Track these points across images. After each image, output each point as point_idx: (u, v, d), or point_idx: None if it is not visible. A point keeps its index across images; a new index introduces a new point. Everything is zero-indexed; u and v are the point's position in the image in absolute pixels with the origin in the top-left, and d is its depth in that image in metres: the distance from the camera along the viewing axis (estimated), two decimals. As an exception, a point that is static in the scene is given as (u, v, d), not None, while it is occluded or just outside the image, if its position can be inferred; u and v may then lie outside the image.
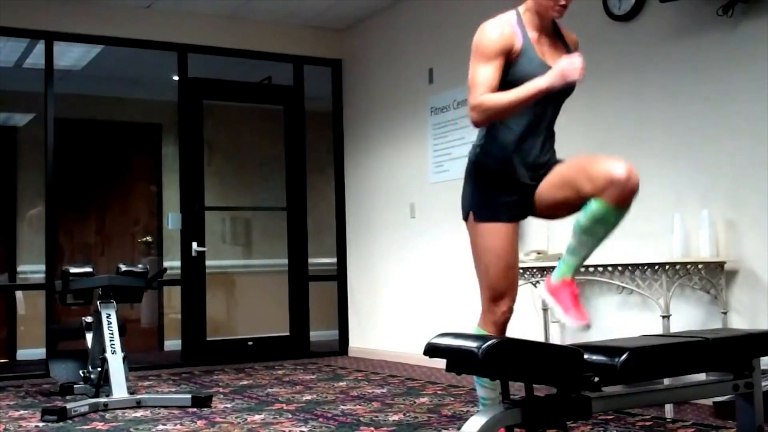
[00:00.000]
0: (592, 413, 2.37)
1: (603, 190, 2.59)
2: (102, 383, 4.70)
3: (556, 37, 2.89)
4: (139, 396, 4.64)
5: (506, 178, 2.82)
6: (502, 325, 2.88)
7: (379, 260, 6.96)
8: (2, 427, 4.03)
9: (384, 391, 4.94)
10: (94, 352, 4.97)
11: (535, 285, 4.96)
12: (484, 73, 2.69)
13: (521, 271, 4.79)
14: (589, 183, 2.63)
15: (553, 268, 4.54)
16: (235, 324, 7.98)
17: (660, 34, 4.51)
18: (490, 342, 2.19)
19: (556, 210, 2.85)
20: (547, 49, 2.82)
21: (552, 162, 2.87)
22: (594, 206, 2.62)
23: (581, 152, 4.71)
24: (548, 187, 2.81)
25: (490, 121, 2.73)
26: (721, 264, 4.08)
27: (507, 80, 2.72)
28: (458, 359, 2.28)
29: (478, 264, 2.88)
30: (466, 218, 2.91)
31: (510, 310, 2.86)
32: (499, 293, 2.84)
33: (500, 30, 2.74)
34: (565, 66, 2.62)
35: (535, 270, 4.72)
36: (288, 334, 7.21)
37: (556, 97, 2.79)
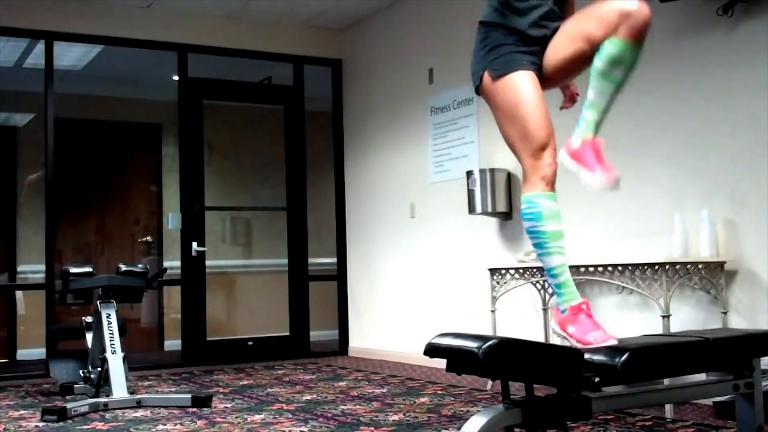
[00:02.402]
0: (592, 413, 2.37)
1: (615, 27, 2.50)
2: (102, 383, 4.70)
3: None
4: (139, 396, 4.64)
5: (517, 33, 2.69)
6: (552, 179, 2.63)
7: (379, 260, 6.96)
8: (2, 427, 4.03)
9: (384, 391, 4.94)
10: (94, 352, 4.97)
11: (535, 285, 4.97)
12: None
13: (521, 271, 4.80)
14: (600, 25, 2.54)
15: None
16: (235, 324, 7.98)
17: (660, 34, 4.51)
18: (490, 342, 2.19)
19: (568, 68, 2.71)
20: None
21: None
22: (608, 46, 2.52)
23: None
24: (556, 46, 2.69)
25: None
26: (721, 264, 4.08)
27: None
28: (458, 359, 2.28)
29: (509, 124, 2.67)
30: (479, 87, 2.74)
31: (556, 161, 2.63)
32: (542, 143, 2.60)
33: None
34: None
35: (535, 270, 4.71)
36: (288, 334, 7.21)
37: None
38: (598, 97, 2.58)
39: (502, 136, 2.74)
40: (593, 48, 2.57)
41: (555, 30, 2.71)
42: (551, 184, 2.62)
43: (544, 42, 2.71)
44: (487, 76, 2.71)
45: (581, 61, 2.65)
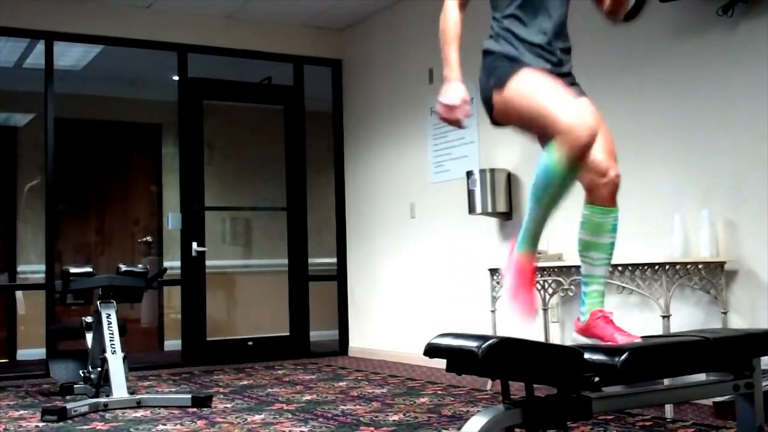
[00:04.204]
0: (592, 413, 2.37)
1: (590, 180, 2.59)
2: (102, 383, 4.70)
3: None
4: (139, 396, 4.64)
5: (518, 60, 2.65)
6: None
7: (379, 260, 6.96)
8: (2, 427, 4.03)
9: (384, 391, 4.94)
10: (94, 352, 4.97)
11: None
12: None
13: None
14: (608, 157, 2.62)
15: (553, 268, 4.57)
16: (235, 324, 7.98)
17: (660, 34, 4.51)
18: (490, 342, 2.19)
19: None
20: None
21: (570, 72, 2.74)
22: (587, 213, 2.62)
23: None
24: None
25: None
26: (721, 264, 4.08)
27: None
28: (458, 359, 2.28)
29: (536, 105, 2.50)
30: (492, 113, 2.69)
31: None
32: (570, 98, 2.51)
33: None
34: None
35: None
36: (288, 334, 7.21)
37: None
38: (593, 269, 2.65)
39: (538, 138, 2.66)
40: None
41: (561, 54, 2.71)
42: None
43: (557, 62, 2.71)
44: (496, 97, 2.64)
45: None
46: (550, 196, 2.48)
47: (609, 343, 2.54)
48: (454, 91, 2.67)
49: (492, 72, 2.68)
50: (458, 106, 2.66)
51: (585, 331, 2.65)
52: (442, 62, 2.72)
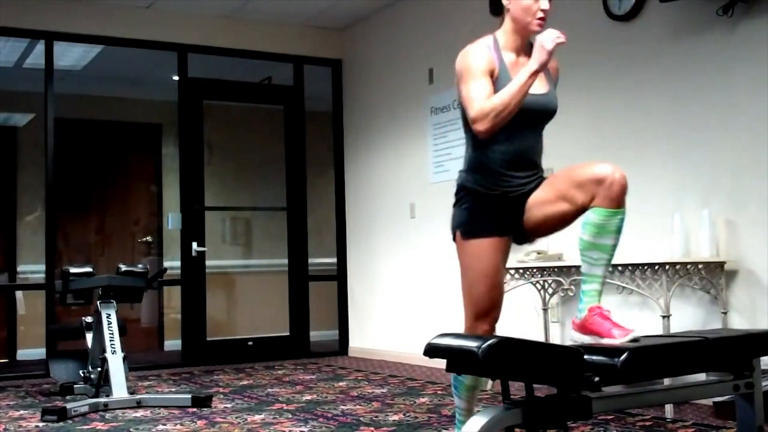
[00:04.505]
0: (592, 413, 2.37)
1: (594, 194, 2.59)
2: (102, 383, 4.70)
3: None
4: (139, 396, 4.64)
5: (493, 199, 2.77)
6: None
7: (379, 260, 6.96)
8: (2, 427, 4.03)
9: (384, 391, 4.94)
10: (94, 352, 4.97)
11: (535, 285, 4.97)
12: (477, 87, 2.66)
13: (521, 271, 4.80)
14: (580, 191, 2.62)
15: (553, 268, 4.57)
16: (235, 324, 7.98)
17: (660, 34, 4.51)
18: (490, 342, 2.19)
19: (551, 226, 2.79)
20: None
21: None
22: (591, 216, 2.61)
23: (581, 150, 4.73)
24: (538, 202, 2.75)
25: (497, 127, 2.64)
26: (721, 264, 4.08)
27: None
28: (458, 359, 2.28)
29: (463, 281, 2.84)
30: (454, 238, 2.87)
31: (493, 329, 2.80)
32: (482, 311, 2.78)
33: (484, 52, 2.73)
34: (543, 38, 2.61)
35: (535, 270, 4.72)
36: (288, 334, 7.21)
37: (536, 120, 2.78)
38: (594, 269, 2.66)
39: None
40: (576, 209, 2.65)
41: (532, 185, 2.77)
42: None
43: (520, 200, 2.77)
44: (457, 234, 2.83)
45: (564, 220, 2.73)
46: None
47: (606, 339, 2.55)
48: (547, 39, 2.61)
49: (462, 211, 2.83)
50: (554, 46, 2.64)
51: (582, 328, 2.65)
52: (520, 82, 2.61)
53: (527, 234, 2.85)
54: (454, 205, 2.88)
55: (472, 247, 2.78)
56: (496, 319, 2.81)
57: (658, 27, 4.52)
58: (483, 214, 2.78)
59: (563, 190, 2.68)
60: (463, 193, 2.84)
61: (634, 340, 2.52)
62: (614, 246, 2.65)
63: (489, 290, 2.77)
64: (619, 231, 2.64)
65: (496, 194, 2.76)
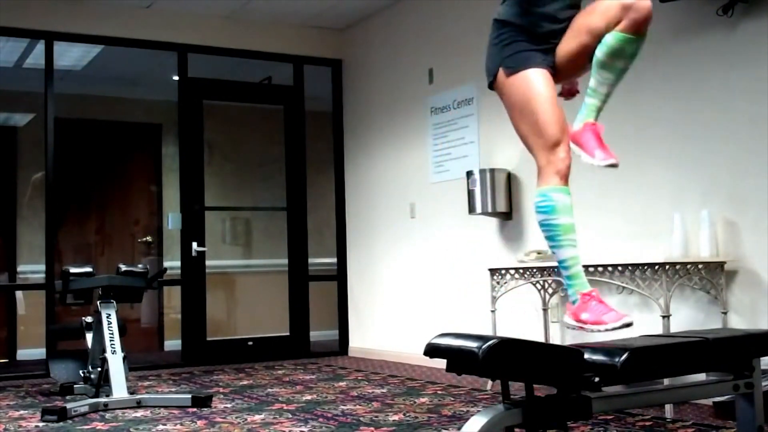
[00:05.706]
0: (592, 413, 2.37)
1: (617, 20, 2.60)
2: (102, 383, 4.70)
3: None
4: (139, 396, 4.64)
5: (532, 30, 2.76)
6: (566, 173, 2.68)
7: (379, 260, 6.96)
8: (2, 427, 4.03)
9: (384, 391, 4.94)
10: (94, 352, 4.97)
11: (535, 285, 4.97)
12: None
13: (521, 271, 4.80)
14: (602, 18, 2.63)
15: (553, 268, 4.57)
16: (235, 324, 7.98)
17: (660, 34, 4.50)
18: (490, 342, 2.19)
19: (576, 62, 2.77)
20: None
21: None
22: (610, 38, 2.62)
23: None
24: (564, 41, 2.77)
25: None
26: (721, 264, 4.08)
27: None
28: (458, 359, 2.28)
29: (523, 120, 2.73)
30: (492, 82, 2.81)
31: (569, 155, 2.69)
32: (555, 139, 2.66)
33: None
34: None
35: (535, 270, 4.72)
36: (288, 334, 7.21)
37: None
38: (599, 86, 2.68)
39: (516, 132, 2.80)
40: (597, 41, 2.66)
41: (568, 22, 2.78)
42: (565, 178, 2.69)
43: (558, 36, 2.78)
44: (501, 73, 2.78)
45: (587, 54, 2.73)
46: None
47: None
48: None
49: (503, 49, 2.78)
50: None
51: (574, 140, 2.70)
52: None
53: (558, 74, 2.82)
54: (491, 43, 2.83)
55: (525, 77, 2.72)
56: (569, 143, 2.71)
57: (658, 27, 4.50)
58: (526, 47, 2.75)
59: (586, 22, 2.71)
60: (500, 26, 2.81)
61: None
62: (624, 70, 2.68)
63: (556, 113, 2.68)
64: (633, 57, 2.66)
65: (535, 26, 2.75)
